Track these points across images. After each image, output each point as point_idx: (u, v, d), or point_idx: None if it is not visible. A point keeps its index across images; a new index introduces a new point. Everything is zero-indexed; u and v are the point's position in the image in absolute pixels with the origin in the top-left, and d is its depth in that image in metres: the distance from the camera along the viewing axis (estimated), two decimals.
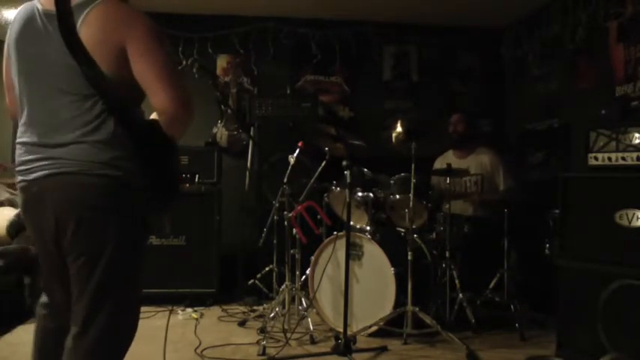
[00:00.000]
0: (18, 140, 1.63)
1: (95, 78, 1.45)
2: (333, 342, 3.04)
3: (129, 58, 1.49)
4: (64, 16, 1.43)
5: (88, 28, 1.47)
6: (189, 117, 1.55)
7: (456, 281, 3.44)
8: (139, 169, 1.53)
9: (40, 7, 1.57)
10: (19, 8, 1.64)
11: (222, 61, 5.06)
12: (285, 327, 3.21)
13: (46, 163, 1.52)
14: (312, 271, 3.58)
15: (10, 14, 4.44)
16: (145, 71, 1.49)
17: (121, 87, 1.50)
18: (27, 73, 1.57)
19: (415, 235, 3.39)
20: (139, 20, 1.51)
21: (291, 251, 3.53)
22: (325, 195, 3.78)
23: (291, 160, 3.54)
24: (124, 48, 1.48)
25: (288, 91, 5.05)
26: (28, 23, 1.57)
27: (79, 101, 1.51)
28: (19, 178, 1.61)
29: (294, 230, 3.49)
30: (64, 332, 1.59)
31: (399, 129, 3.44)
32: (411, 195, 3.25)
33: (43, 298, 1.74)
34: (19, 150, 1.62)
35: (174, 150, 1.63)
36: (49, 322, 1.70)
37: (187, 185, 4.23)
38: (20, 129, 1.63)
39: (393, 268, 3.23)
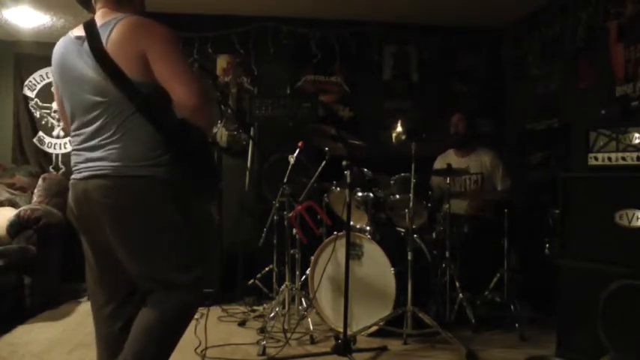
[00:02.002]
0: (72, 148, 1.90)
1: (124, 85, 1.69)
2: (333, 342, 3.04)
3: (150, 64, 1.70)
4: (92, 37, 1.72)
5: (113, 43, 1.70)
6: (208, 107, 1.73)
7: (456, 281, 3.44)
8: (174, 163, 1.74)
9: (72, 35, 1.83)
10: (59, 42, 1.89)
11: (222, 61, 5.06)
12: (285, 327, 3.21)
13: (89, 165, 1.76)
14: (312, 271, 3.58)
15: (10, 14, 4.44)
16: (163, 72, 1.69)
17: (148, 90, 1.71)
18: (71, 93, 1.82)
19: (415, 235, 3.39)
20: (156, 30, 1.73)
21: (291, 251, 3.53)
22: (325, 195, 3.78)
23: (291, 160, 3.53)
24: (144, 55, 1.69)
25: (288, 91, 5.05)
26: (66, 52, 1.82)
27: (111, 107, 1.73)
28: (71, 177, 1.86)
29: (294, 230, 3.49)
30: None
31: (399, 129, 3.44)
32: (411, 195, 3.25)
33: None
34: (72, 154, 1.88)
35: (205, 141, 1.81)
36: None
37: None
38: (72, 139, 1.89)
39: (393, 268, 3.23)
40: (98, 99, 1.74)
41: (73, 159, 1.85)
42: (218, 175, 1.91)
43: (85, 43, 1.74)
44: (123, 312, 1.87)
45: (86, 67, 1.74)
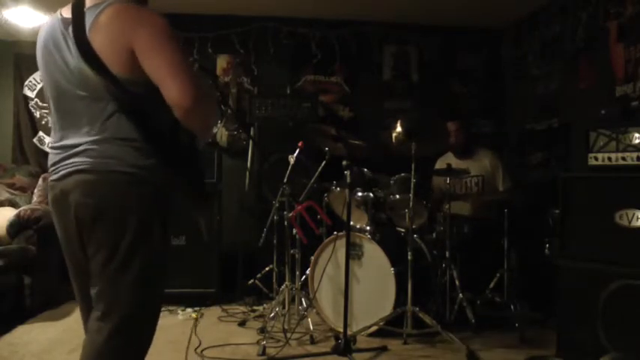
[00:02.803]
0: (49, 144, 1.72)
1: (107, 81, 1.49)
2: (333, 342, 3.05)
3: (139, 58, 1.49)
4: (76, 22, 1.50)
5: (97, 31, 1.50)
6: (203, 108, 1.53)
7: (456, 281, 3.44)
8: (157, 166, 1.55)
9: (59, 16, 1.61)
10: (47, 20, 1.68)
11: (222, 61, 5.06)
12: (285, 327, 3.21)
13: (67, 162, 1.57)
14: (312, 271, 3.58)
15: (10, 15, 4.44)
16: (154, 68, 1.48)
17: (136, 88, 1.51)
18: (52, 80, 1.61)
19: (415, 235, 3.39)
20: (145, 20, 1.50)
21: (291, 251, 3.53)
22: (325, 195, 3.78)
23: (291, 160, 3.53)
24: (131, 49, 1.48)
25: (288, 91, 5.04)
26: (51, 33, 1.60)
27: (93, 103, 1.53)
28: (49, 178, 1.67)
29: (294, 230, 3.49)
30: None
31: (399, 129, 3.44)
32: (411, 195, 3.25)
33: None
34: (49, 153, 1.69)
35: (194, 147, 1.64)
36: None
37: None
38: (51, 133, 1.70)
39: (393, 268, 3.23)
40: (80, 92, 1.54)
41: (51, 158, 1.64)
42: (201, 184, 1.70)
43: (71, 28, 1.52)
44: None
45: (70, 54, 1.53)
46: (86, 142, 1.54)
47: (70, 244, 1.63)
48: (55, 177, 1.61)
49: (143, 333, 1.61)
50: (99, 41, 1.49)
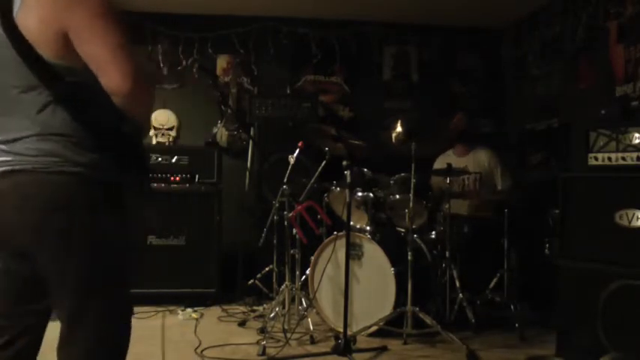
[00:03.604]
0: None
1: (38, 68, 1.34)
2: (333, 342, 3.05)
3: (74, 42, 1.33)
4: (3, 2, 1.33)
5: (26, 12, 1.32)
6: (144, 95, 1.39)
7: (456, 281, 3.44)
8: (102, 162, 1.40)
9: None
10: None
11: (222, 61, 5.06)
12: (285, 327, 3.21)
13: (2, 160, 1.38)
14: (312, 271, 3.58)
15: None
16: (91, 53, 1.33)
17: (74, 76, 1.36)
18: None
19: (415, 235, 3.39)
20: (77, 1, 1.33)
21: (291, 251, 3.53)
22: (325, 195, 3.78)
23: (291, 160, 3.53)
24: (65, 32, 1.32)
25: (288, 91, 5.04)
26: None
27: (25, 93, 1.37)
28: None
29: (294, 230, 3.49)
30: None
31: (399, 129, 3.44)
32: (411, 195, 3.25)
33: None
34: None
35: (139, 137, 1.50)
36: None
37: (187, 185, 4.25)
38: None
39: (393, 268, 3.23)
40: (10, 81, 1.37)
41: None
42: (149, 177, 1.55)
43: None
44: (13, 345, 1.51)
45: (2, 40, 1.36)
46: (21, 138, 1.36)
47: (4, 247, 1.45)
48: None
49: (117, 335, 1.50)
50: (28, 23, 1.32)
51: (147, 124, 1.53)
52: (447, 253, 3.49)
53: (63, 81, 1.35)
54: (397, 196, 3.54)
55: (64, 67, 1.35)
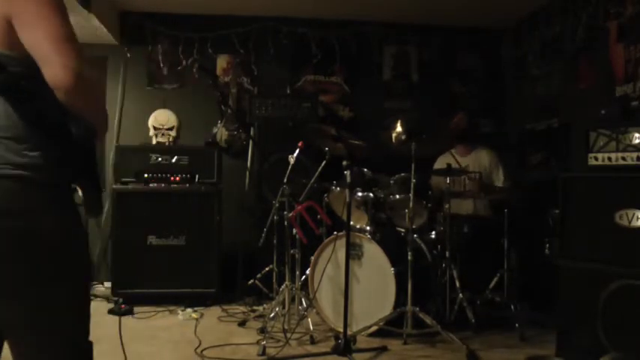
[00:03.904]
0: None
1: None
2: (333, 342, 3.05)
3: (17, 31, 1.24)
4: None
5: None
6: (88, 93, 1.28)
7: (456, 281, 3.44)
8: (48, 162, 1.29)
9: None
10: None
11: (222, 61, 5.06)
12: (285, 327, 3.21)
13: None
14: (312, 271, 3.58)
15: None
16: (35, 43, 1.23)
17: (16, 67, 1.25)
18: None
19: (415, 235, 3.39)
20: None
21: (291, 251, 3.53)
22: (325, 195, 3.78)
23: (291, 160, 3.53)
24: (9, 20, 1.23)
25: (288, 91, 5.05)
26: None
27: None
28: None
29: (294, 230, 3.49)
30: None
31: (399, 129, 3.44)
32: (411, 195, 3.25)
33: None
34: None
35: (89, 137, 1.39)
36: None
37: (187, 185, 4.25)
38: None
39: (393, 268, 3.23)
40: None
41: None
42: (100, 184, 1.42)
43: None
44: None
45: None
46: None
47: None
48: None
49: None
50: None
51: (101, 130, 1.38)
52: (447, 253, 3.49)
53: (5, 70, 1.24)
54: (397, 196, 3.54)
55: (7, 56, 1.24)
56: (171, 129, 5.01)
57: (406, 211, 3.33)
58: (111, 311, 3.83)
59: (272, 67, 5.08)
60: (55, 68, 1.21)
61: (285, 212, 3.50)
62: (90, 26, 4.43)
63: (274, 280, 3.93)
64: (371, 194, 3.55)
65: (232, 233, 4.44)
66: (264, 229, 3.81)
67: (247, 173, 4.63)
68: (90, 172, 1.41)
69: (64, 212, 1.33)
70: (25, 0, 1.23)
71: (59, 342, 1.30)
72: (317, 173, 3.47)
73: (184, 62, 4.96)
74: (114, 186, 4.23)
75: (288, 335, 3.11)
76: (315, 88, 5.12)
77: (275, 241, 3.87)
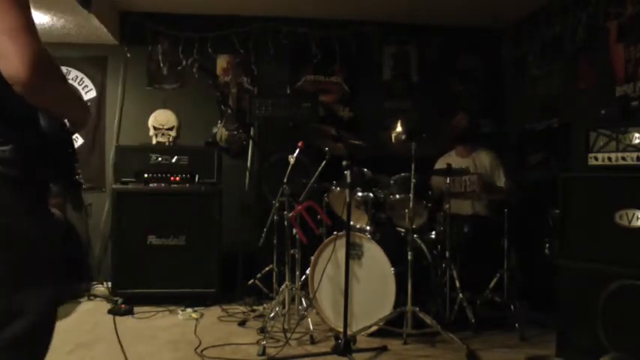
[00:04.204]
0: None
1: None
2: (333, 342, 3.04)
3: None
4: None
5: None
6: (49, 86, 1.21)
7: (456, 281, 3.44)
8: (20, 159, 1.25)
9: None
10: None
11: (222, 61, 5.06)
12: (285, 327, 3.21)
13: None
14: (312, 271, 3.58)
15: None
16: None
17: None
18: None
19: (415, 235, 3.39)
20: None
21: (291, 251, 3.53)
22: (325, 195, 3.78)
23: (291, 160, 3.53)
24: None
25: (288, 91, 5.05)
26: None
27: None
28: None
29: (294, 230, 3.49)
30: None
31: (399, 129, 3.45)
32: (411, 195, 3.25)
33: None
34: None
35: (61, 133, 1.35)
36: None
37: (187, 185, 4.26)
38: None
39: (393, 268, 3.23)
40: None
41: None
42: (76, 179, 1.38)
43: None
44: None
45: None
46: None
47: None
48: None
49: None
50: None
51: (77, 123, 1.33)
52: (447, 253, 3.49)
53: None
54: (397, 196, 3.54)
55: None
56: (171, 129, 5.01)
57: (406, 211, 3.33)
58: (111, 311, 3.83)
59: (272, 67, 5.08)
60: (10, 61, 1.15)
61: (285, 212, 3.50)
62: (90, 26, 4.43)
63: (274, 280, 3.93)
64: (371, 194, 3.55)
65: (232, 233, 4.44)
66: (264, 229, 3.81)
67: (247, 173, 4.63)
68: (66, 166, 1.37)
69: (35, 210, 1.28)
70: None
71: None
72: (317, 173, 3.47)
73: (184, 62, 4.96)
74: (114, 186, 4.23)
75: (288, 335, 3.11)
76: (315, 88, 5.12)
77: (275, 241, 3.86)
